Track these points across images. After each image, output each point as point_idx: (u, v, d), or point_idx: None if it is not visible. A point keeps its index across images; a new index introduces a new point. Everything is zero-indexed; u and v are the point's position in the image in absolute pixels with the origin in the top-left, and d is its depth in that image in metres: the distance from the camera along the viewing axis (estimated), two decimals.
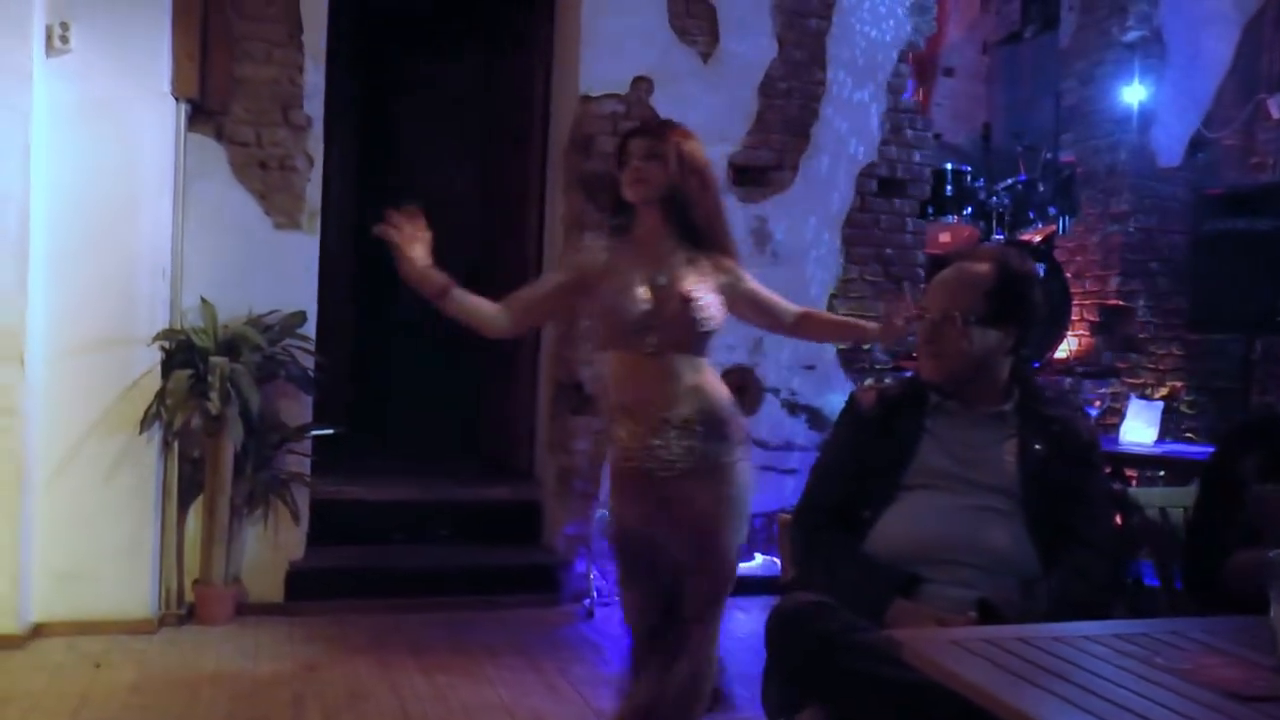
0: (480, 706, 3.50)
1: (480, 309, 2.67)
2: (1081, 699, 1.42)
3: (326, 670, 3.80)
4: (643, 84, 4.94)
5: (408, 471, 5.55)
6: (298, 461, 4.61)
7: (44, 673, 3.67)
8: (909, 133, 5.40)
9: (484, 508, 5.22)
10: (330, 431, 4.74)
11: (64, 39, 4.01)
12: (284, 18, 4.53)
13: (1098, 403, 5.00)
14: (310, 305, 4.56)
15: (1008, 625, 1.89)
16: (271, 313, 4.40)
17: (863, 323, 3.20)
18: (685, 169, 2.67)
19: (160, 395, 4.16)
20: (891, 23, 5.32)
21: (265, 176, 4.53)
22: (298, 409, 4.58)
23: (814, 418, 5.19)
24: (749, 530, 2.74)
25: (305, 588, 4.53)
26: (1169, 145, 6.13)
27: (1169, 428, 4.83)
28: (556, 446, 5.06)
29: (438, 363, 6.43)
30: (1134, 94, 6.08)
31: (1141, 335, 6.13)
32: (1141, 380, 6.04)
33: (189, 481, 4.36)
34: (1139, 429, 4.68)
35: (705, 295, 2.64)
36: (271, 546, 4.53)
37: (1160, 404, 4.91)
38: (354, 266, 6.45)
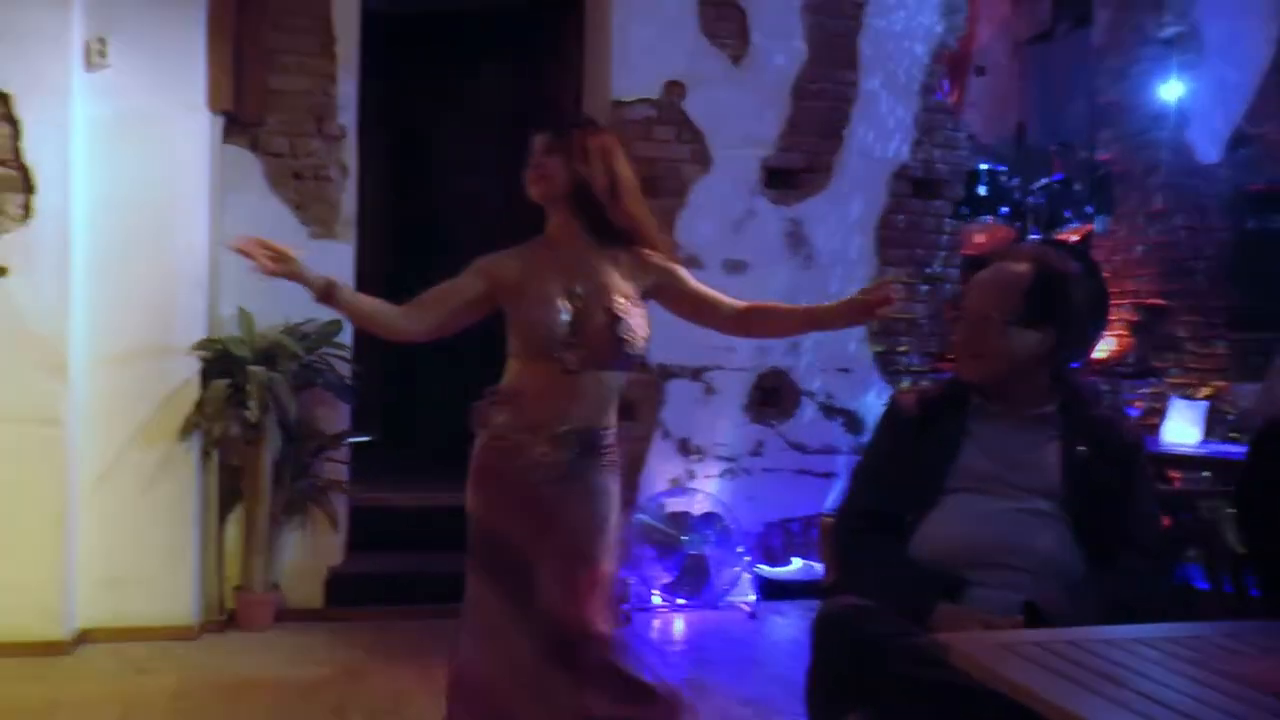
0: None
1: (377, 311, 2.55)
2: (1136, 703, 1.40)
3: (368, 676, 3.82)
4: (675, 88, 4.93)
5: (444, 476, 5.54)
6: (336, 469, 4.63)
7: (89, 679, 3.72)
8: (942, 133, 5.37)
9: None
10: (367, 439, 4.76)
11: (102, 54, 4.06)
12: (316, 29, 4.57)
13: (1138, 404, 4.94)
14: None
15: (1056, 629, 1.87)
16: (308, 321, 4.43)
17: (822, 306, 2.85)
18: (591, 164, 2.52)
19: (199, 404, 4.20)
20: (922, 22, 5.29)
21: (300, 187, 4.57)
22: (335, 416, 4.61)
23: (850, 421, 5.16)
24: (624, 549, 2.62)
25: (345, 593, 4.56)
26: (1208, 142, 6.04)
27: (1213, 428, 4.76)
28: None
29: (474, 368, 6.43)
30: (1171, 90, 6.01)
31: (1181, 335, 6.05)
32: (1183, 380, 5.97)
33: (228, 489, 4.40)
34: (1181, 429, 4.62)
35: (631, 313, 2.51)
36: (311, 553, 4.56)
37: (1204, 404, 4.85)
38: (389, 274, 6.49)
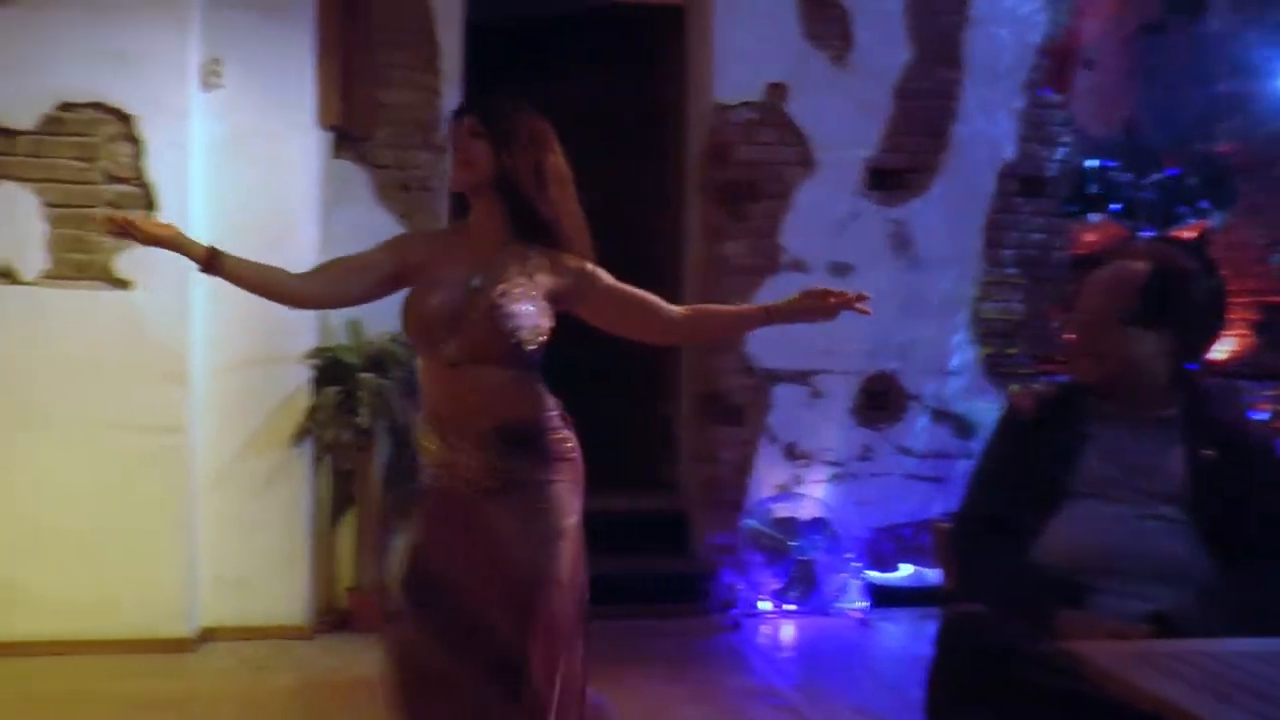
0: (628, 716, 3.50)
1: (268, 278, 2.42)
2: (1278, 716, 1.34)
3: None
4: (777, 90, 4.91)
5: None
6: None
7: (212, 676, 3.86)
8: (1049, 129, 5.25)
9: (631, 518, 5.21)
10: None
11: (217, 75, 4.19)
12: (420, 44, 4.67)
13: (1265, 405, 4.75)
14: None
15: (1190, 639, 1.80)
16: None
17: (778, 302, 2.48)
18: (518, 151, 2.31)
19: (311, 411, 4.31)
20: (1028, 17, 5.18)
21: (406, 198, 4.66)
22: None
23: (960, 425, 5.07)
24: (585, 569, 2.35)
25: None
26: None
27: None
28: (700, 457, 5.06)
29: (580, 373, 6.47)
30: None
31: None
32: None
33: (340, 493, 4.51)
34: None
35: (520, 304, 2.27)
36: None
37: None
38: None
